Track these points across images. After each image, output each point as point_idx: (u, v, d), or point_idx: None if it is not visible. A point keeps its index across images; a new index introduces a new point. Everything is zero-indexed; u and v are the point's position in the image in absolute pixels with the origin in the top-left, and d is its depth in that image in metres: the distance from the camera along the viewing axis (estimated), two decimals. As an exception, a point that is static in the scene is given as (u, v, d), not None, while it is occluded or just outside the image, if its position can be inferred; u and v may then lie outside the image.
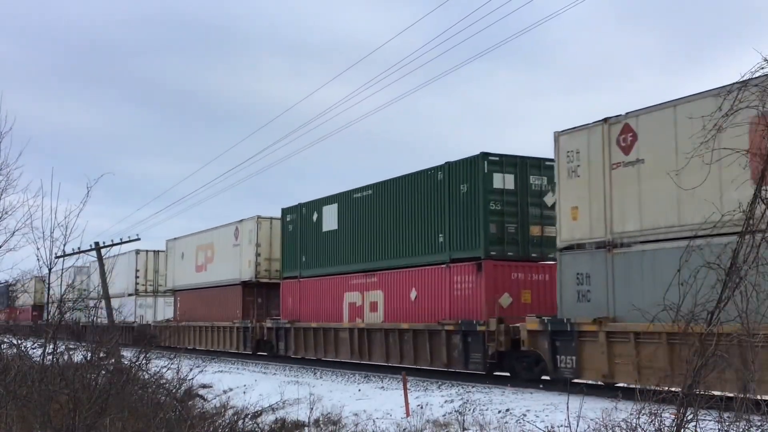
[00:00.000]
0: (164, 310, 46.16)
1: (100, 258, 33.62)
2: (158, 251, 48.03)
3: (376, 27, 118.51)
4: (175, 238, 43.55)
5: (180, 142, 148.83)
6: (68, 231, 10.85)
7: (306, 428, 15.96)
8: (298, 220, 30.73)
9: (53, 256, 11.18)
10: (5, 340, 14.88)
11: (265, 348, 33.46)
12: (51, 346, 11.37)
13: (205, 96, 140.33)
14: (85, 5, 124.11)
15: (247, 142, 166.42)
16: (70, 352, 11.96)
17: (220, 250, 37.47)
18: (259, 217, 34.43)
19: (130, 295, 48.33)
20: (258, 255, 34.33)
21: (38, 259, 11.18)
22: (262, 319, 33.52)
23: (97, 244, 33.37)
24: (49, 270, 11.51)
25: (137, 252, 47.70)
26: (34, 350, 12.44)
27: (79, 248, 22.57)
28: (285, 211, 31.94)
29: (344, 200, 27.79)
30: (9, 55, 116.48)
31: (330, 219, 28.53)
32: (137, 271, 48.18)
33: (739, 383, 7.72)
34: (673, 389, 7.61)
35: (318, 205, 29.45)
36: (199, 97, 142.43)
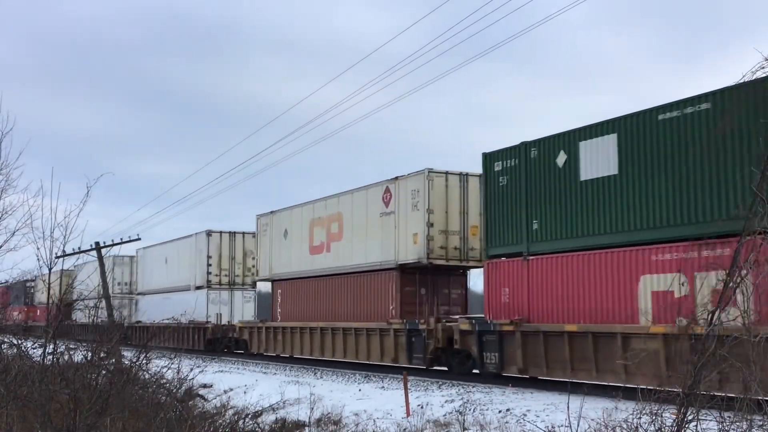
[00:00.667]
0: (243, 307, 38.29)
1: (100, 258, 33.61)
2: (235, 232, 39.01)
3: (375, 29, 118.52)
4: (272, 212, 32.94)
5: (179, 143, 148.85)
6: (68, 231, 10.84)
7: (306, 428, 15.96)
8: (521, 168, 20.00)
9: (53, 256, 11.17)
10: (5, 340, 14.89)
11: (448, 360, 22.94)
12: (51, 346, 11.37)
13: (204, 97, 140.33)
14: (84, 6, 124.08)
15: (247, 143, 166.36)
16: (71, 352, 11.97)
17: (357, 221, 27.02)
18: (430, 170, 24.20)
19: (198, 287, 38.85)
20: (429, 226, 23.77)
21: (38, 259, 11.18)
22: (442, 318, 23.27)
23: (97, 243, 33.38)
24: (50, 270, 11.50)
25: (209, 234, 38.58)
26: (35, 350, 12.45)
27: (79, 248, 22.57)
28: (490, 157, 20.98)
29: (633, 126, 17.16)
30: (6, 55, 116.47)
31: (597, 159, 17.95)
32: (209, 257, 38.32)
33: (739, 383, 7.71)
34: (673, 389, 7.61)
35: (567, 140, 18.81)
36: (197, 98, 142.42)
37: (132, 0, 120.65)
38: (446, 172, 24.52)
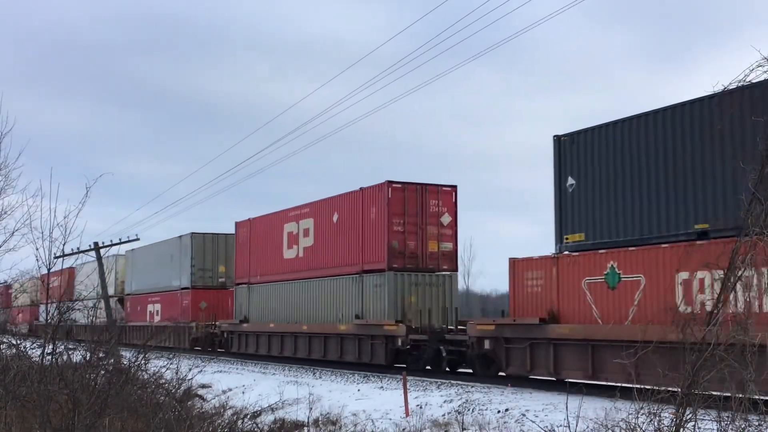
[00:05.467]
0: None
1: (99, 258, 33.62)
2: None
3: (367, 30, 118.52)
4: None
5: (175, 145, 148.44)
6: (67, 231, 10.83)
7: (305, 428, 15.97)
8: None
9: (52, 256, 11.16)
10: (4, 340, 14.90)
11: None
12: (50, 346, 11.36)
13: (200, 99, 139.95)
14: (81, 5, 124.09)
15: (245, 144, 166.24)
16: (70, 352, 11.97)
17: None
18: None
19: None
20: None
21: (37, 260, 11.15)
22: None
23: (96, 244, 33.38)
24: (48, 270, 11.48)
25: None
26: (34, 350, 12.45)
27: (78, 248, 22.57)
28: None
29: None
30: (3, 56, 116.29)
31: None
32: None
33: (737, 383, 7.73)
34: (672, 389, 7.63)
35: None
36: (193, 100, 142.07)
37: (124, 3, 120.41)
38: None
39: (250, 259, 34.17)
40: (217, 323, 37.42)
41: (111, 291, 48.19)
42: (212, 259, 39.54)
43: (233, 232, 37.70)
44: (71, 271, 48.83)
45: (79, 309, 12.64)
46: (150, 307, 44.51)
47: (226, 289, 39.04)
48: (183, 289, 40.03)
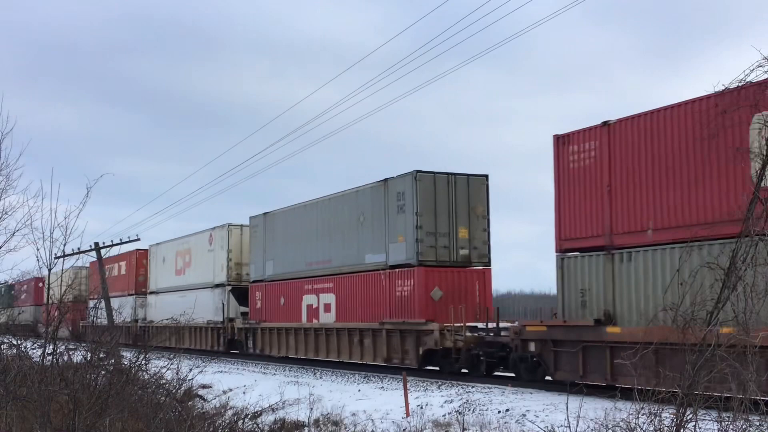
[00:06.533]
0: None
1: (99, 258, 33.64)
2: None
3: (367, 32, 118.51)
4: None
5: (175, 145, 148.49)
6: (68, 231, 10.85)
7: (306, 428, 15.97)
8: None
9: (53, 256, 11.18)
10: (5, 340, 14.91)
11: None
12: (51, 347, 11.37)
13: (200, 98, 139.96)
14: (81, 5, 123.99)
15: (243, 145, 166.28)
16: (70, 353, 11.98)
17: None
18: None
19: None
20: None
21: (38, 260, 11.17)
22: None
23: (96, 244, 33.41)
24: (49, 270, 11.50)
25: None
26: (34, 351, 12.46)
27: (78, 249, 22.60)
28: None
29: None
30: (3, 56, 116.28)
31: None
32: None
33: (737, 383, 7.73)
34: (672, 390, 7.63)
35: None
36: (193, 100, 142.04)
37: (124, 3, 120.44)
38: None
39: (611, 203, 17.31)
40: (510, 325, 21.07)
41: (221, 278, 35.08)
42: (448, 218, 23.70)
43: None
44: (142, 254, 40.37)
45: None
46: (309, 299, 29.01)
47: (470, 267, 24.10)
48: (395, 267, 24.26)
